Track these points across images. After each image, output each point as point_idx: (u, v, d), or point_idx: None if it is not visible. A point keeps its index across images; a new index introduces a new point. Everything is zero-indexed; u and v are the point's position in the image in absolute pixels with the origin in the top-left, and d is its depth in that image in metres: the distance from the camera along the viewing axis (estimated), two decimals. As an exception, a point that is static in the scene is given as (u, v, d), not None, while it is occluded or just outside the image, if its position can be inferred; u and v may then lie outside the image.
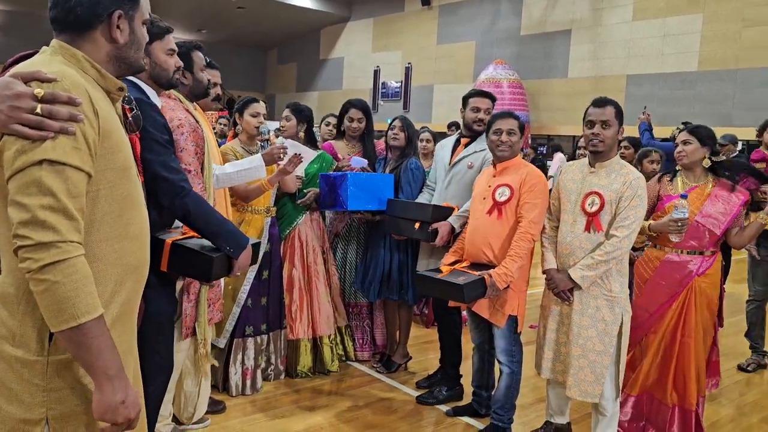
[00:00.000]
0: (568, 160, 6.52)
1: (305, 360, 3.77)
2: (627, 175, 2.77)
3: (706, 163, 3.09)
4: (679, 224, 2.92)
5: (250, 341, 3.52)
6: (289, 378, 3.76)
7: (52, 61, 1.31)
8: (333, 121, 4.42)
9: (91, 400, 1.27)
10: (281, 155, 3.08)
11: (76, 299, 1.19)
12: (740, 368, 4.35)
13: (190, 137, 2.46)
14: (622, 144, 4.85)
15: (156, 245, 2.09)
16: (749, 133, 15.45)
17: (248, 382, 3.50)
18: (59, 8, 1.33)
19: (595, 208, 2.78)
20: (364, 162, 3.87)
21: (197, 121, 2.55)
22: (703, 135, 3.09)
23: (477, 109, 3.45)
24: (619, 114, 2.84)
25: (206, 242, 2.12)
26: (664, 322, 3.07)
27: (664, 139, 7.85)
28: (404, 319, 3.97)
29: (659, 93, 14.94)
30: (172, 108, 2.46)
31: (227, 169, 2.91)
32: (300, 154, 3.24)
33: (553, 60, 17.32)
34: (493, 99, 3.53)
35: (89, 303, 1.21)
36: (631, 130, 4.53)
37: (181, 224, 2.28)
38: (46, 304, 1.19)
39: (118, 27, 1.36)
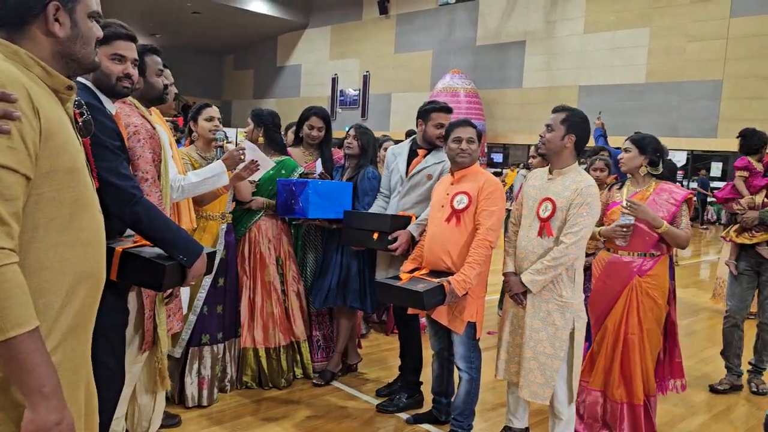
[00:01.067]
0: (524, 168, 6.58)
1: (249, 370, 3.71)
2: (579, 183, 2.83)
3: (643, 170, 3.23)
4: (625, 230, 3.11)
5: (206, 350, 3.45)
6: (252, 389, 3.68)
7: None
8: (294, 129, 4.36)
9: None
10: (242, 156, 3.05)
11: (6, 310, 1.10)
12: (712, 389, 4.11)
13: (147, 144, 2.40)
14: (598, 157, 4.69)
15: (106, 254, 2.03)
16: (693, 144, 16.02)
17: (204, 393, 3.42)
18: None
19: (547, 214, 2.86)
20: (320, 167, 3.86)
21: (154, 127, 2.49)
22: (643, 144, 3.23)
23: (441, 125, 3.41)
24: (568, 120, 2.88)
25: (159, 251, 2.07)
26: (610, 320, 3.20)
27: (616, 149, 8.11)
28: (345, 325, 3.89)
29: (609, 104, 15.44)
30: (128, 114, 2.39)
31: (192, 179, 2.86)
32: (257, 162, 3.20)
33: (509, 70, 17.68)
34: (451, 112, 3.56)
35: (21, 314, 1.12)
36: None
37: (133, 232, 2.21)
38: None
39: (56, 20, 1.29)
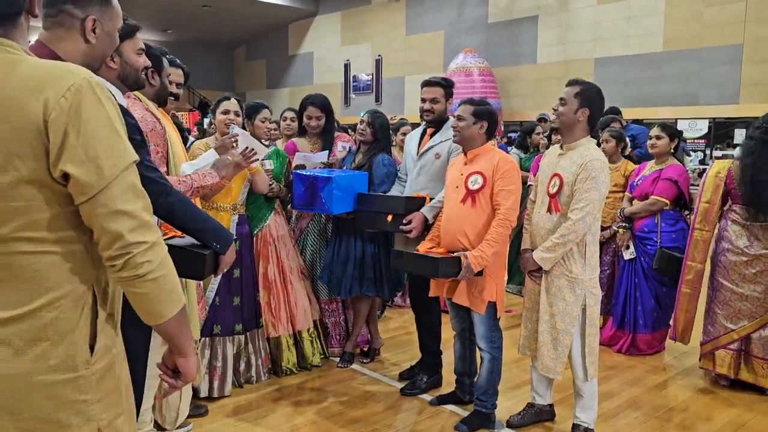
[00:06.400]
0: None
1: (289, 356, 3.74)
2: (585, 157, 2.78)
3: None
4: None
5: (218, 341, 3.45)
6: (275, 377, 3.73)
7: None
8: (290, 115, 4.30)
9: (124, 389, 1.35)
10: (233, 144, 3.00)
11: (177, 284, 1.28)
12: None
13: (149, 137, 2.41)
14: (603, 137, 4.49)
15: None
16: (716, 111, 15.67)
17: (215, 384, 3.41)
18: None
19: (554, 190, 2.85)
20: (324, 156, 3.85)
21: (158, 120, 2.50)
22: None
23: (423, 100, 3.45)
24: (582, 94, 2.83)
25: (192, 240, 2.05)
26: None
27: (634, 121, 7.96)
28: (362, 311, 3.94)
29: (626, 75, 15.12)
30: (132, 107, 2.40)
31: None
32: (252, 149, 3.08)
33: (522, 46, 17.41)
34: (444, 86, 3.47)
35: (180, 291, 1.31)
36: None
37: (158, 223, 2.23)
38: (161, 298, 1.24)
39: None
